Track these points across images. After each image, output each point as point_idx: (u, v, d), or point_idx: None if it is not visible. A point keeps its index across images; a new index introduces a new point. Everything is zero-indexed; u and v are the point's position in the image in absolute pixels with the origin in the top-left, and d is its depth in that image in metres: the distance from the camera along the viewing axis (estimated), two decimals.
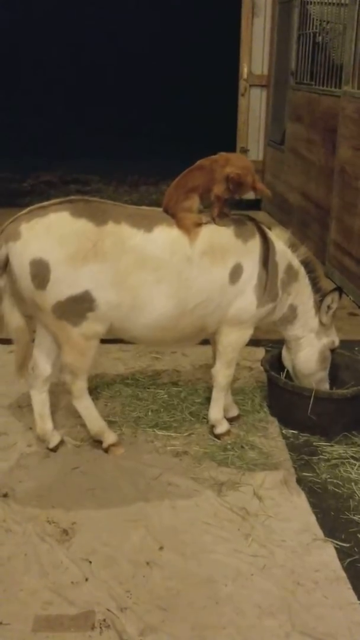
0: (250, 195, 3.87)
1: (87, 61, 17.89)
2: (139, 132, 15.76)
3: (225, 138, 10.01)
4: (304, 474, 3.67)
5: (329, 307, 3.96)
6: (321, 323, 3.99)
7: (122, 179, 11.73)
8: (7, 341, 3.70)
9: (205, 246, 3.49)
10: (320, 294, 3.98)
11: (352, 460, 3.76)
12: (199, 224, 3.50)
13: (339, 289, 4.02)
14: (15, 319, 3.55)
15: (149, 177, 11.77)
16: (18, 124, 15.84)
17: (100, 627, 2.65)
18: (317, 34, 7.56)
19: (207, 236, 3.50)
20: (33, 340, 3.70)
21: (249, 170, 3.50)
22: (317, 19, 7.63)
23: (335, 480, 3.61)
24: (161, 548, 3.08)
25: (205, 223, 3.52)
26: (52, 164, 12.59)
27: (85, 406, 3.74)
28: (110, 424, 3.99)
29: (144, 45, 17.82)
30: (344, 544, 3.14)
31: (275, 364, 4.25)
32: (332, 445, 3.91)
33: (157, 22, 17.44)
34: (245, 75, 9.46)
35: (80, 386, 3.65)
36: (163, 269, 3.42)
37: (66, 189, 10.75)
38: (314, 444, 3.94)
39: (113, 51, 18.10)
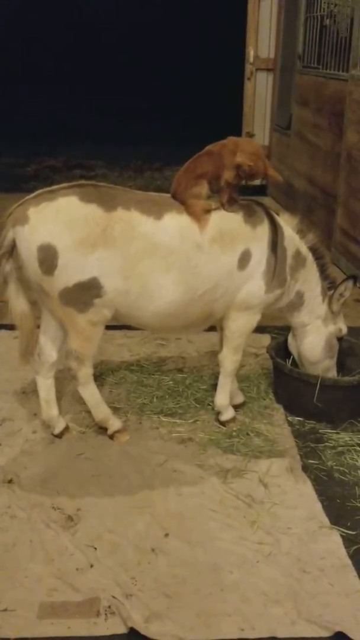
0: (256, 181, 3.82)
1: (91, 44, 17.76)
2: (144, 116, 15.65)
3: (231, 123, 9.92)
4: (310, 461, 3.65)
5: (341, 295, 3.93)
6: (331, 310, 3.96)
7: (126, 165, 11.66)
8: (12, 327, 3.67)
9: (214, 233, 3.45)
10: (328, 280, 3.95)
11: (358, 448, 3.75)
12: (208, 211, 3.46)
13: (354, 277, 3.99)
14: (20, 305, 3.51)
15: (154, 163, 11.70)
16: (22, 109, 15.75)
17: (106, 614, 2.65)
18: (325, 17, 7.46)
19: (217, 222, 3.47)
20: (38, 327, 3.67)
21: (260, 157, 3.44)
22: (324, 2, 7.52)
23: (341, 468, 3.60)
24: (166, 535, 3.08)
25: (214, 209, 3.49)
26: (56, 149, 12.52)
27: (91, 393, 3.72)
28: (115, 410, 3.98)
29: (149, 28, 17.67)
30: (350, 532, 3.13)
31: (281, 351, 4.23)
32: (338, 433, 3.89)
33: (163, 4, 17.27)
34: (251, 59, 9.36)
35: (85, 372, 3.63)
36: (172, 256, 3.39)
37: (70, 174, 10.69)
38: (320, 431, 3.93)
39: (117, 34, 17.96)
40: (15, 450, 3.68)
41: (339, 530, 3.14)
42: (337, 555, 3.00)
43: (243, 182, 3.49)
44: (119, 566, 2.88)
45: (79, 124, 14.82)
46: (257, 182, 4.19)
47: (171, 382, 4.41)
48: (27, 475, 3.47)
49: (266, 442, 3.80)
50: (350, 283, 3.92)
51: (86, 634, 2.57)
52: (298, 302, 3.91)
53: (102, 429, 3.82)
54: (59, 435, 3.79)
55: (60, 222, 3.25)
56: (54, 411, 3.79)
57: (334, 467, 3.60)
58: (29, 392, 4.23)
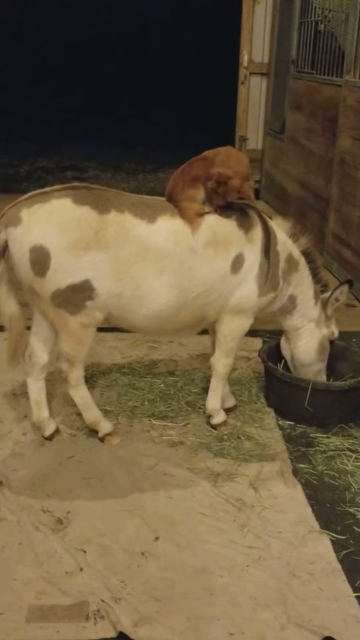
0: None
1: (84, 46, 17.72)
2: (138, 119, 15.64)
3: (225, 126, 9.95)
4: (300, 465, 3.65)
5: (336, 299, 3.95)
6: (325, 314, 3.98)
7: (119, 166, 11.65)
8: (2, 328, 3.66)
9: (208, 236, 3.45)
10: (320, 284, 3.97)
11: (348, 452, 3.75)
12: (201, 214, 3.46)
13: (350, 282, 4.01)
14: (10, 307, 3.49)
15: (147, 165, 11.70)
16: (14, 109, 15.69)
17: (95, 618, 2.63)
18: (319, 22, 7.49)
19: (210, 226, 3.46)
20: (28, 329, 3.66)
21: (240, 175, 3.43)
22: (319, 7, 7.55)
23: (331, 472, 3.60)
24: (156, 538, 3.07)
25: (208, 212, 3.48)
26: (49, 150, 12.50)
27: (82, 395, 3.71)
28: (106, 413, 3.97)
29: (143, 30, 17.66)
30: (340, 536, 3.13)
31: (272, 354, 4.23)
32: (328, 437, 3.90)
33: (157, 7, 17.26)
34: (245, 63, 9.38)
35: (77, 375, 3.62)
36: (166, 259, 3.38)
37: (63, 176, 10.69)
38: (311, 435, 3.93)
39: (111, 35, 17.92)
40: (4, 453, 3.66)
41: (329, 534, 3.14)
42: (327, 559, 3.00)
43: (219, 199, 3.46)
44: (109, 570, 2.87)
45: (71, 125, 14.79)
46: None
47: (162, 385, 4.40)
48: (17, 477, 3.45)
49: (257, 446, 3.80)
50: (346, 287, 3.95)
51: (75, 638, 2.55)
52: (291, 305, 3.92)
53: (92, 432, 3.80)
54: (50, 438, 3.78)
55: (53, 223, 3.24)
56: (45, 413, 3.77)
57: (325, 472, 3.60)
58: (19, 394, 4.22)
